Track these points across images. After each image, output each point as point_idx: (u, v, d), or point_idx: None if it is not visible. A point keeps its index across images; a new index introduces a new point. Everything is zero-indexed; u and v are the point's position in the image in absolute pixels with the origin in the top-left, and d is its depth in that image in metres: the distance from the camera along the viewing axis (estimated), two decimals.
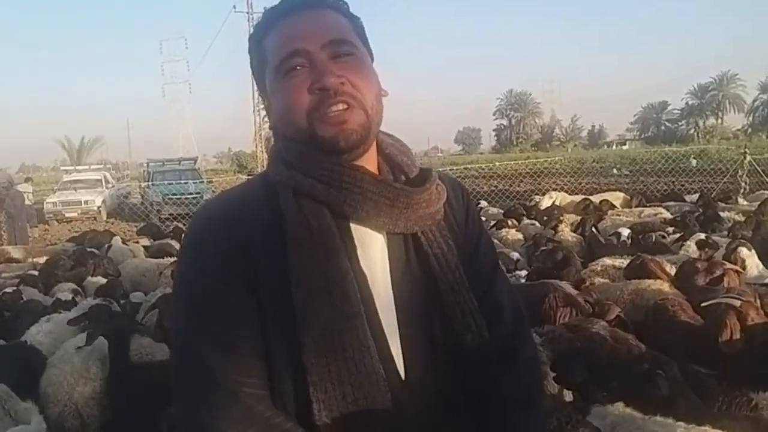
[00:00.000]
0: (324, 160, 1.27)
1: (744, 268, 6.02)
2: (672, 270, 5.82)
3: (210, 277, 1.23)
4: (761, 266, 6.29)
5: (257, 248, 1.24)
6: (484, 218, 12.23)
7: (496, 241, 9.24)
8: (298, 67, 1.26)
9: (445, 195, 1.41)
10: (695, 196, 13.22)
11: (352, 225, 1.29)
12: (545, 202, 13.38)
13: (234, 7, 48.52)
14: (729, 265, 5.72)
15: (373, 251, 1.31)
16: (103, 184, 27.03)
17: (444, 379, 1.32)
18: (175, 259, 8.92)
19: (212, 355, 1.20)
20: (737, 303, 4.16)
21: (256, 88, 1.43)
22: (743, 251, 6.26)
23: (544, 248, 6.73)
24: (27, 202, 22.30)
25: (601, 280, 6.19)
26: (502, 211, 13.02)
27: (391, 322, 1.28)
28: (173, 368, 1.28)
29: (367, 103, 1.28)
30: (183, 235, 1.40)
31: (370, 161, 1.35)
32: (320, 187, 1.26)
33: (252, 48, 1.37)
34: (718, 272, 5.45)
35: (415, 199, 1.31)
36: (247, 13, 48.34)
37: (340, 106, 1.24)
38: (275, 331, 1.21)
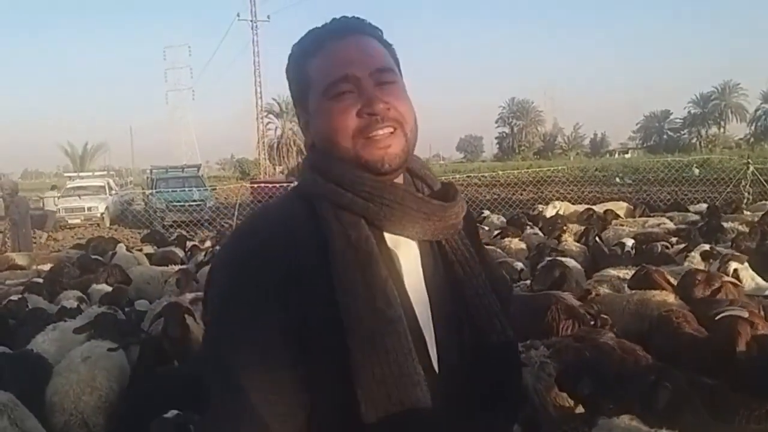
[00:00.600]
0: (364, 177, 1.34)
1: (739, 282, 6.02)
2: (675, 281, 5.82)
3: (254, 296, 1.27)
4: (757, 278, 6.28)
5: (301, 263, 1.29)
6: (486, 227, 12.25)
7: (499, 250, 9.25)
8: (346, 92, 1.32)
9: (465, 208, 1.49)
10: (699, 206, 13.22)
11: (386, 234, 1.37)
12: (549, 212, 13.38)
13: (238, 15, 48.80)
14: (727, 278, 5.74)
15: (407, 258, 1.39)
16: (107, 190, 27.02)
17: (474, 377, 1.41)
18: (180, 266, 8.97)
19: (248, 377, 1.24)
20: (745, 314, 4.15)
21: (293, 103, 1.49)
22: (735, 265, 6.26)
23: (542, 266, 6.71)
24: (52, 207, 22.65)
25: (606, 290, 6.18)
26: (505, 220, 13.02)
27: (427, 324, 1.37)
28: (207, 379, 1.32)
29: (408, 127, 1.37)
30: (224, 246, 1.46)
31: (400, 176, 1.44)
32: (360, 201, 1.33)
33: (293, 68, 1.43)
34: (716, 284, 5.47)
35: (448, 212, 1.41)
36: (251, 21, 48.58)
37: (387, 130, 1.33)
38: (321, 341, 1.26)
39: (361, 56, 1.35)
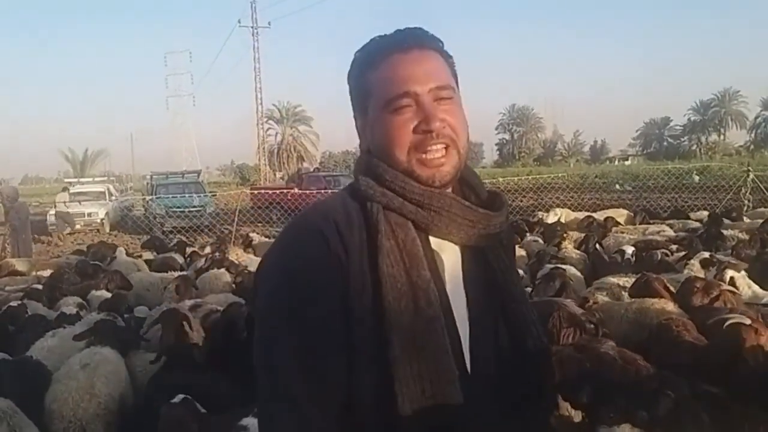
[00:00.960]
0: (415, 186, 1.41)
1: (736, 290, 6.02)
2: (675, 289, 5.81)
3: (308, 287, 1.33)
4: (754, 286, 6.27)
5: (351, 258, 1.35)
6: None
7: None
8: (405, 107, 1.38)
9: (508, 219, 1.59)
10: (699, 214, 13.21)
11: (431, 237, 1.44)
12: (550, 219, 13.34)
13: (239, 21, 49.18)
14: (725, 286, 5.73)
15: (449, 262, 1.46)
16: (107, 196, 27.04)
17: (506, 377, 1.47)
18: (180, 273, 8.96)
19: (292, 363, 1.32)
20: (748, 321, 4.14)
21: (352, 107, 1.54)
22: (732, 273, 6.26)
23: (542, 274, 6.71)
24: (64, 208, 22.75)
25: (605, 298, 6.18)
26: None
27: (463, 325, 1.43)
28: (258, 361, 1.37)
29: (461, 143, 1.45)
30: (276, 244, 1.49)
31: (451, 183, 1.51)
32: (410, 206, 1.41)
33: (355, 75, 1.49)
34: (715, 292, 5.47)
35: (493, 221, 1.48)
36: (252, 27, 48.75)
37: (440, 147, 1.41)
38: (363, 334, 1.33)
39: (421, 72, 1.40)
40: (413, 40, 1.44)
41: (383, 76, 1.42)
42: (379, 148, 1.45)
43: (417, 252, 1.38)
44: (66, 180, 37.76)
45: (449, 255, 1.46)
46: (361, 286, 1.34)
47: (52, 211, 24.60)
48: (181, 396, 3.91)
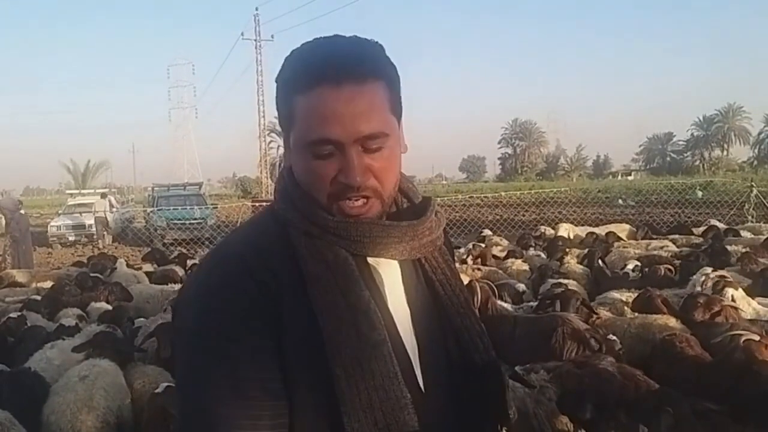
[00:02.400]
0: (330, 218, 1.30)
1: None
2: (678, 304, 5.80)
3: (231, 321, 1.22)
4: (753, 303, 6.24)
5: (279, 288, 1.25)
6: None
7: (500, 272, 9.23)
8: (327, 153, 1.25)
9: (444, 222, 1.46)
10: (702, 229, 13.19)
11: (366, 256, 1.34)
12: (560, 233, 13.29)
13: (242, 34, 49.19)
14: (727, 302, 5.72)
15: (388, 278, 1.36)
16: (108, 208, 27.07)
17: (460, 396, 1.39)
18: (180, 285, 8.93)
19: (222, 406, 1.19)
20: (757, 338, 4.12)
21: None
22: (731, 291, 6.22)
23: (545, 290, 6.71)
24: (108, 214, 23.61)
25: (607, 314, 6.15)
26: (507, 242, 13.00)
27: (411, 343, 1.34)
28: (179, 412, 1.29)
29: (386, 193, 1.32)
30: (196, 273, 1.36)
31: None
32: (330, 236, 1.30)
33: (280, 94, 1.32)
34: (716, 308, 5.46)
35: (419, 229, 1.36)
36: (255, 40, 48.85)
37: (360, 202, 1.29)
38: (301, 368, 1.22)
39: (351, 118, 1.22)
40: (350, 70, 1.23)
41: (309, 109, 1.24)
42: (300, 179, 1.33)
43: (351, 272, 1.28)
44: (67, 191, 37.87)
45: (388, 270, 1.36)
46: (297, 317, 1.24)
47: (55, 221, 24.74)
48: (164, 384, 4.01)
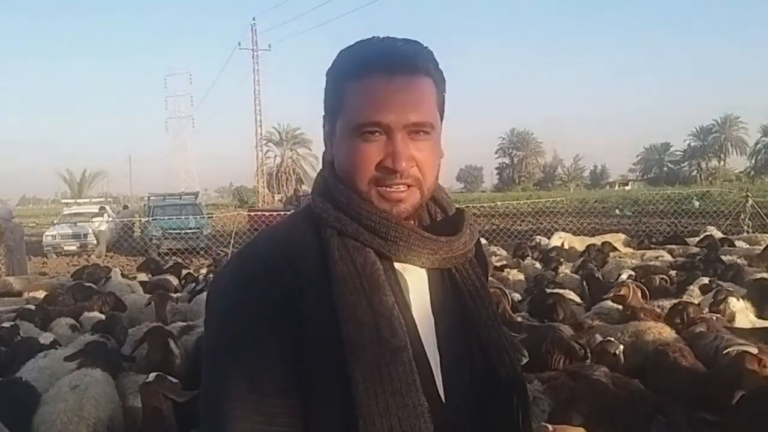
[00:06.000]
0: (372, 212, 1.31)
1: (732, 319, 6.03)
2: None
3: (250, 323, 1.24)
4: (751, 315, 6.23)
5: (302, 289, 1.26)
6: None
7: (497, 281, 9.22)
8: (375, 136, 1.28)
9: (477, 235, 1.48)
10: (698, 239, 13.20)
11: (394, 261, 1.35)
12: (553, 242, 13.27)
13: (239, 44, 49.52)
14: (706, 313, 5.80)
15: (414, 285, 1.36)
16: (106, 219, 27.01)
17: (482, 408, 1.39)
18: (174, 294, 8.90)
19: (239, 406, 1.22)
20: (755, 350, 4.11)
21: (324, 107, 1.42)
22: (732, 302, 6.22)
23: (536, 298, 6.74)
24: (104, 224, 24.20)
25: (600, 323, 6.15)
26: (503, 251, 12.99)
27: (433, 352, 1.33)
28: (203, 401, 1.30)
29: (427, 184, 1.34)
30: (221, 274, 1.41)
31: None
32: (366, 233, 1.31)
33: (332, 79, 1.36)
34: (697, 316, 5.60)
35: (455, 245, 1.38)
36: (252, 50, 49.05)
37: (402, 188, 1.31)
38: (319, 368, 1.24)
39: (402, 103, 1.27)
40: (403, 63, 1.29)
41: (360, 94, 1.29)
42: (341, 167, 1.35)
43: (378, 276, 1.27)
44: (63, 201, 37.87)
45: (414, 277, 1.36)
46: (319, 318, 1.24)
47: (51, 231, 24.72)
48: (154, 374, 4.03)
